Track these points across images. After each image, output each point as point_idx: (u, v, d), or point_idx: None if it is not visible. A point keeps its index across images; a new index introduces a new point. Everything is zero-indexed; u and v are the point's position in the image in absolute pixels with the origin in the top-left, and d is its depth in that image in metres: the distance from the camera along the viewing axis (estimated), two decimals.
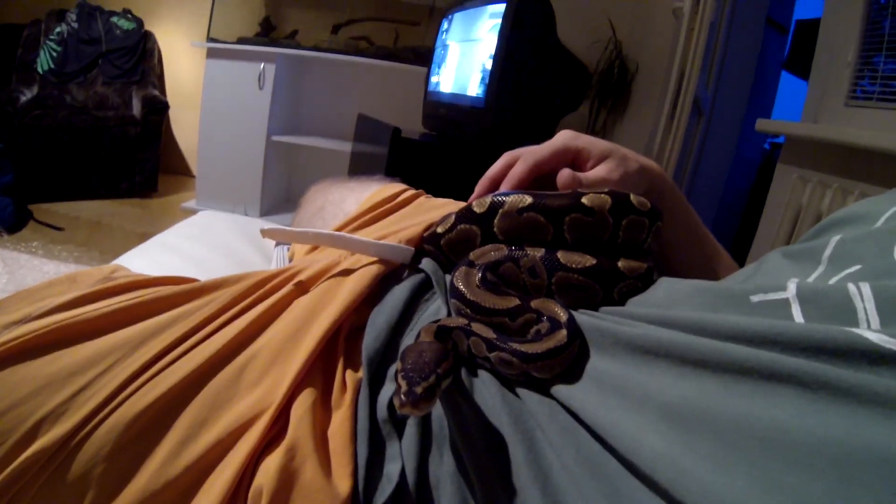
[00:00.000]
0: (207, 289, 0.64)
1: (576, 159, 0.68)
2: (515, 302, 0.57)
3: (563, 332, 0.52)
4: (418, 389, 0.43)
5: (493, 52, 2.04)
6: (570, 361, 0.51)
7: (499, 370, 0.53)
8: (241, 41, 3.67)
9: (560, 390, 0.48)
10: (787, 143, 1.98)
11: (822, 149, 1.80)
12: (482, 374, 0.54)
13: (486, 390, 0.52)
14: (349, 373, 0.58)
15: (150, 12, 4.25)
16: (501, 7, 2.04)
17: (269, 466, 0.48)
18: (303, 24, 3.91)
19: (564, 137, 0.68)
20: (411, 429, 0.51)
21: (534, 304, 0.57)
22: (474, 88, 2.19)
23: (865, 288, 0.40)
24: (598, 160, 0.67)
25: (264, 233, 0.75)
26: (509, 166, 0.68)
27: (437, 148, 2.35)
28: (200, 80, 3.64)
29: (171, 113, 4.21)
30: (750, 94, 2.88)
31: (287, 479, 0.48)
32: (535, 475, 0.44)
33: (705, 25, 2.18)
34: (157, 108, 3.89)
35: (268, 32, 3.88)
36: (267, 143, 3.59)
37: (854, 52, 1.85)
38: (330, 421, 0.53)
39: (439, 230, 0.70)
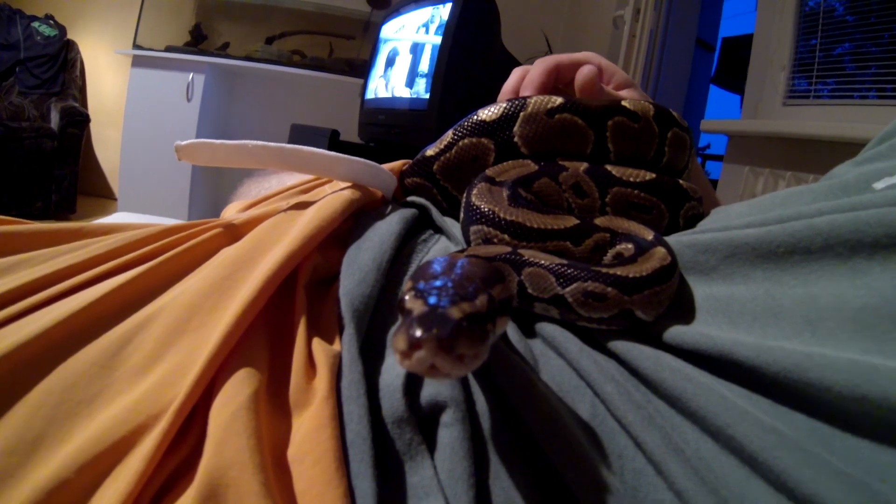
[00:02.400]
0: (89, 232, 0.43)
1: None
2: (573, 220, 0.43)
3: (661, 249, 0.38)
4: (454, 312, 0.25)
5: (436, 52, 2.01)
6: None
7: (579, 315, 0.36)
8: (168, 50, 3.53)
9: (680, 334, 0.34)
10: (732, 141, 2.08)
11: (766, 143, 1.90)
12: (546, 330, 0.37)
13: (555, 356, 0.36)
14: (318, 344, 0.36)
15: (74, 20, 4.02)
16: (447, 7, 2.02)
17: None
18: (235, 37, 3.80)
19: (587, 54, 0.61)
20: (451, 429, 0.30)
21: (599, 221, 0.44)
22: (417, 90, 2.15)
23: None
24: (621, 85, 0.62)
25: (181, 151, 0.52)
26: (524, 77, 0.61)
27: (378, 150, 2.30)
28: (125, 95, 3.46)
29: (93, 130, 4.00)
30: (684, 106, 2.97)
31: None
32: (693, 472, 0.28)
33: (646, 32, 2.24)
34: (77, 121, 3.67)
35: (198, 42, 3.75)
36: None
37: (789, 57, 1.96)
38: (290, 431, 0.32)
39: (430, 152, 0.56)
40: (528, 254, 0.38)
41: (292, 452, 0.30)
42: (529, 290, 0.37)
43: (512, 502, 0.29)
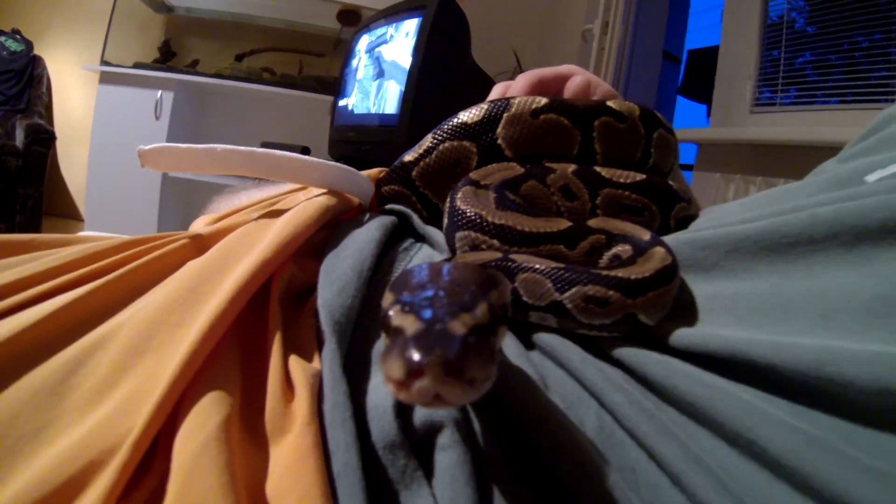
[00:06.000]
0: (43, 243, 0.40)
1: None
2: (566, 223, 0.41)
3: (660, 249, 0.37)
4: (457, 327, 0.22)
5: (406, 68, 2.01)
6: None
7: (579, 323, 0.34)
8: (137, 66, 3.48)
9: (688, 336, 0.32)
10: (702, 150, 2.14)
11: (735, 150, 1.98)
12: (543, 340, 0.35)
13: (555, 367, 0.34)
14: (296, 362, 0.32)
15: (41, 35, 3.92)
16: (417, 23, 2.02)
17: None
18: (204, 55, 3.76)
19: (571, 67, 0.61)
20: (450, 452, 0.27)
21: (592, 223, 0.42)
22: (387, 107, 2.14)
23: None
24: (606, 96, 0.60)
25: (144, 156, 0.49)
26: (506, 92, 0.60)
27: (351, 165, 2.29)
28: (92, 112, 3.39)
29: (60, 149, 3.91)
30: None
31: None
32: (716, 482, 0.26)
33: (614, 45, 2.28)
34: (42, 139, 3.57)
35: (167, 59, 3.70)
36: (163, 178, 3.35)
37: (755, 66, 2.03)
38: (268, 462, 0.28)
39: (408, 158, 0.54)
40: (521, 259, 0.36)
41: (272, 487, 0.26)
42: (524, 298, 0.35)
43: None
